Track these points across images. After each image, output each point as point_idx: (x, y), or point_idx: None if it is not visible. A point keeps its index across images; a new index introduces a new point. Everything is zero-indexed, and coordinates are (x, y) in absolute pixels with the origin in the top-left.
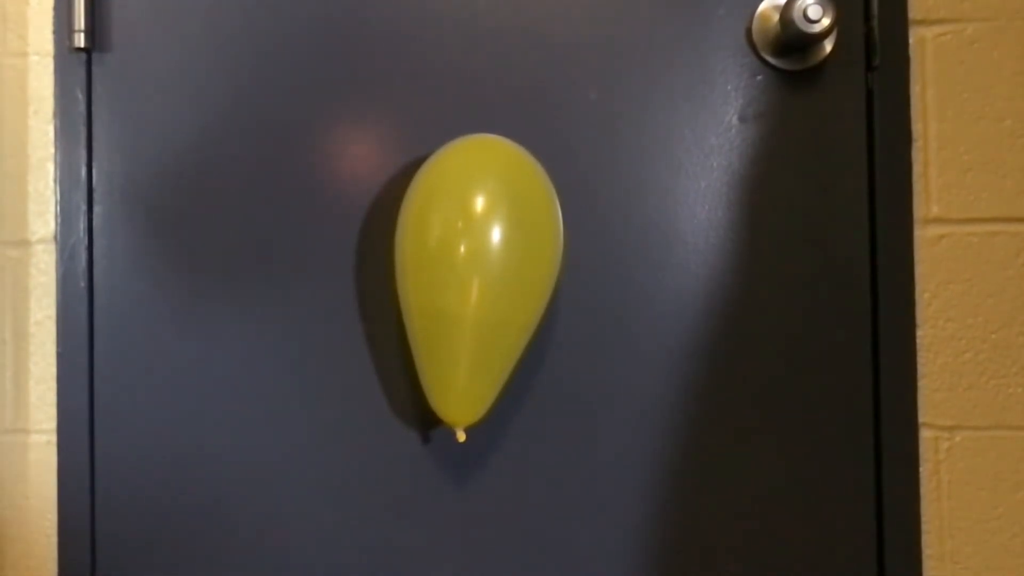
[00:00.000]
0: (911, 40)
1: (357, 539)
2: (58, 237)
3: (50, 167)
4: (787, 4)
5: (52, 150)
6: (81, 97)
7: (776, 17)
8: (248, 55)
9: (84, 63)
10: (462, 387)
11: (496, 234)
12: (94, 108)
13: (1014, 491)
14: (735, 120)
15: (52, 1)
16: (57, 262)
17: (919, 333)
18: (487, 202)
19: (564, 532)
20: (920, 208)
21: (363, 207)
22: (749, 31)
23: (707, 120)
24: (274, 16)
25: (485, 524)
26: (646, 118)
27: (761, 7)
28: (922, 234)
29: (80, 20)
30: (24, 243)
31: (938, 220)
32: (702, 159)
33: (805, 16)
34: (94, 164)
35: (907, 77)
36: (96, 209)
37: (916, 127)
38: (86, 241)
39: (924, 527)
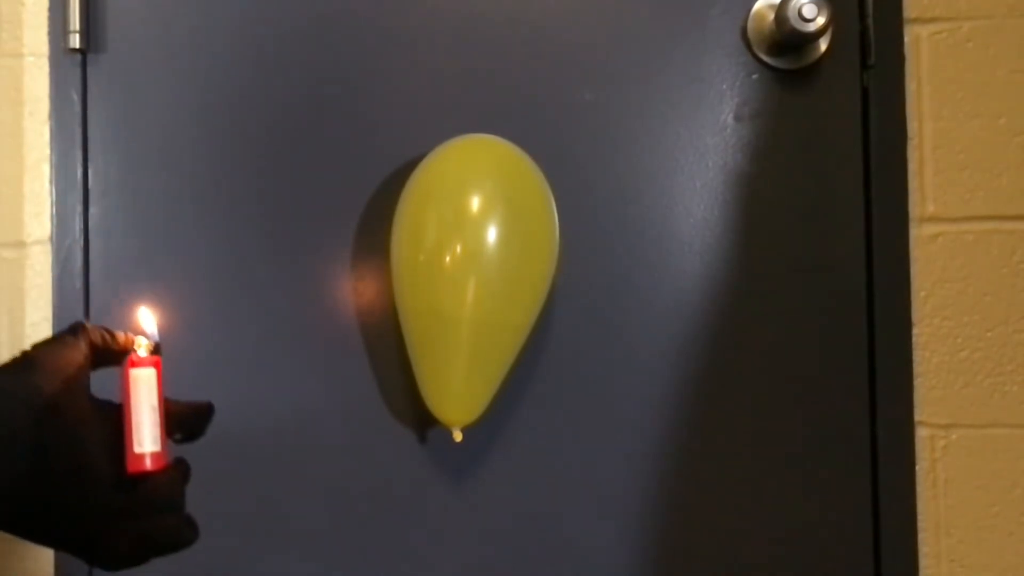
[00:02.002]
0: (906, 38)
1: (354, 539)
2: (54, 239)
3: (45, 168)
4: (782, 3)
5: (48, 151)
6: (76, 98)
7: (771, 16)
8: (244, 55)
9: (79, 64)
10: (458, 387)
11: (492, 234)
12: (89, 109)
13: (1010, 489)
14: (730, 119)
15: (47, 2)
16: (53, 264)
17: (915, 331)
18: (483, 202)
19: (561, 532)
20: (916, 207)
21: (359, 207)
22: (744, 30)
23: (702, 119)
24: (270, 16)
25: (482, 524)
26: (641, 118)
27: (756, 6)
28: (918, 233)
29: (75, 21)
30: (20, 245)
31: (934, 218)
32: (698, 159)
33: (800, 15)
34: (90, 165)
35: (902, 75)
36: (92, 211)
37: (911, 125)
38: (82, 243)
39: (920, 525)
